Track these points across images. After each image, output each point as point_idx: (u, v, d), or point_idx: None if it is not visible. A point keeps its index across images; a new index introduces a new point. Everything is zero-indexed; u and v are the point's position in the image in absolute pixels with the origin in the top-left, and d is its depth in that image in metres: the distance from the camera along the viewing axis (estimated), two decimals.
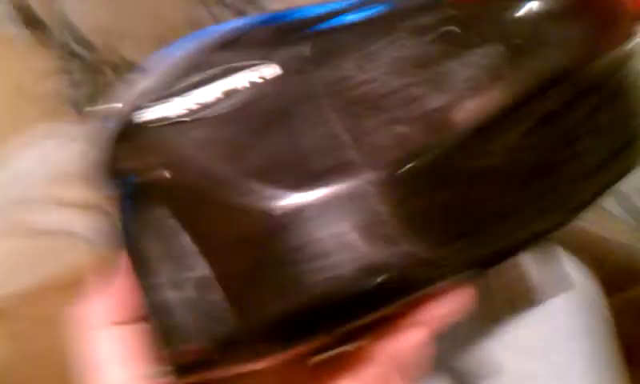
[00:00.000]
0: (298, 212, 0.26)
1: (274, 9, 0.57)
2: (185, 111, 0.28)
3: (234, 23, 0.30)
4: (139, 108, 0.28)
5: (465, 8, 0.28)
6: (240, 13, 0.60)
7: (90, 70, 0.76)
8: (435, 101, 0.27)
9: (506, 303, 0.50)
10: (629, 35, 0.29)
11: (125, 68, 0.78)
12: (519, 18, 0.28)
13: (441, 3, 0.28)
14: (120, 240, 0.31)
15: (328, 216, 0.26)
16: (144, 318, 0.30)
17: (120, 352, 0.30)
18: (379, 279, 0.27)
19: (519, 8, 0.28)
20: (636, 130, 0.31)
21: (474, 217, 0.28)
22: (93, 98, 0.78)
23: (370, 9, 0.29)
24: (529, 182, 0.28)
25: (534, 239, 0.30)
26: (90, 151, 0.30)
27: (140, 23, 0.75)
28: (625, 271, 0.74)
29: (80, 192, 1.29)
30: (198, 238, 0.28)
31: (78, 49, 0.74)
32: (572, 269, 0.54)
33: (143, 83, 0.29)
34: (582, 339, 0.50)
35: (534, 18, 0.28)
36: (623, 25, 0.29)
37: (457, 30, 0.27)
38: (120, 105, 0.29)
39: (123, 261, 0.31)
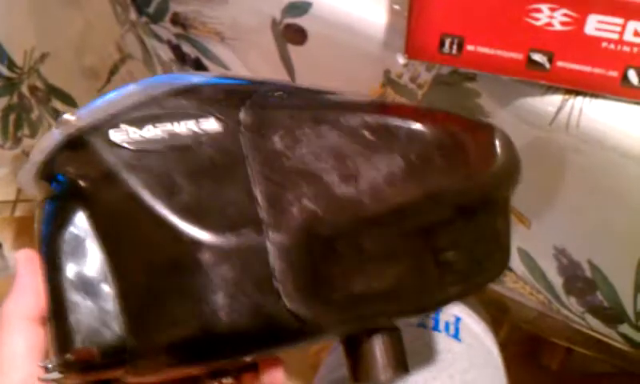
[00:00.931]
0: (209, 253, 0.30)
1: (209, 47, 0.58)
2: (127, 138, 0.30)
3: (185, 76, 0.33)
4: (88, 125, 0.31)
5: (377, 117, 0.34)
6: (174, 47, 0.61)
7: (6, 88, 0.74)
8: (340, 189, 0.32)
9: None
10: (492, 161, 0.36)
11: (44, 91, 0.76)
12: (418, 140, 0.34)
13: (362, 108, 0.34)
14: (37, 239, 0.33)
15: (232, 262, 0.30)
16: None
17: (28, 346, 0.31)
18: (261, 325, 0.30)
19: (420, 133, 0.34)
20: (501, 244, 0.38)
21: (347, 289, 0.32)
22: (6, 114, 0.76)
23: (303, 94, 0.35)
24: (397, 273, 0.34)
25: (396, 316, 0.36)
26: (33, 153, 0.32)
27: (66, 49, 0.74)
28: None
29: None
30: (111, 252, 0.31)
31: None
32: (473, 322, 0.57)
33: (97, 104, 0.32)
34: None
35: (428, 144, 0.34)
36: (489, 154, 0.36)
37: (368, 134, 0.33)
38: (72, 118, 0.31)
39: (36, 257, 0.33)
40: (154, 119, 0.31)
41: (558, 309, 0.54)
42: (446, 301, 0.37)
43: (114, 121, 0.30)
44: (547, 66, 0.39)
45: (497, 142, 0.36)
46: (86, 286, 0.30)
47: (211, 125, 0.31)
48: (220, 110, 0.32)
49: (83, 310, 0.30)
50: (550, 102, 0.41)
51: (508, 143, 0.36)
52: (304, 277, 0.31)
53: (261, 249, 0.30)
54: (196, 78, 0.33)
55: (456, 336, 0.55)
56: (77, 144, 0.31)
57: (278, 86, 0.35)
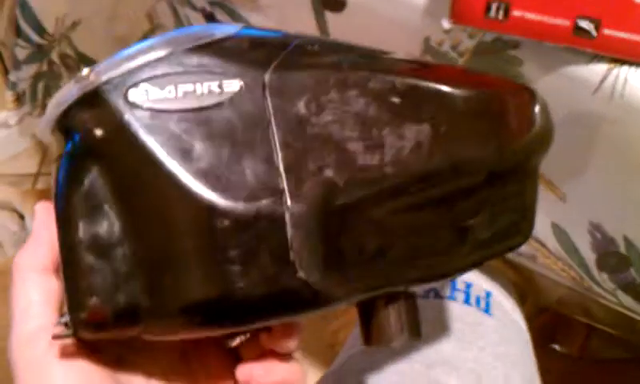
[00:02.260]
0: (227, 220, 0.29)
1: (243, 14, 0.58)
2: (147, 98, 0.30)
3: (208, 28, 0.32)
4: (105, 81, 0.30)
5: (408, 81, 0.32)
6: (208, 15, 0.61)
7: (37, 55, 0.74)
8: (363, 159, 0.31)
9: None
10: (530, 128, 0.34)
11: (74, 59, 0.76)
12: (451, 107, 0.33)
13: (390, 69, 0.33)
14: (53, 193, 0.32)
15: (249, 230, 0.30)
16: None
17: (43, 296, 0.32)
18: (275, 294, 0.30)
19: (449, 98, 0.33)
20: (526, 213, 0.37)
21: (363, 260, 0.32)
22: (35, 82, 0.76)
23: (331, 54, 0.33)
24: (416, 242, 0.33)
25: (413, 283, 0.35)
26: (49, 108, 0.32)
27: (97, 17, 0.74)
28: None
29: None
30: (126, 212, 0.30)
31: (28, 31, 0.72)
32: (504, 297, 0.57)
33: (116, 59, 0.31)
34: (516, 368, 0.53)
35: (461, 110, 0.33)
36: (527, 120, 0.34)
37: (397, 100, 0.32)
38: (91, 72, 0.30)
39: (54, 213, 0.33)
40: (176, 79, 0.30)
41: (589, 285, 0.54)
42: (465, 268, 0.37)
43: (133, 78, 0.30)
44: (594, 33, 0.39)
45: (536, 108, 0.35)
46: (100, 246, 0.30)
47: (234, 87, 0.30)
48: (245, 70, 0.31)
49: (96, 269, 0.30)
50: (595, 71, 0.41)
51: (545, 109, 0.35)
52: (321, 248, 0.31)
53: (279, 219, 0.30)
54: (220, 30, 0.32)
55: (487, 311, 0.55)
56: (93, 100, 0.30)
57: (309, 40, 0.33)
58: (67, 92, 0.30)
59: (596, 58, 0.41)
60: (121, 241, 0.30)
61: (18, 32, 0.74)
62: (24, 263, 0.32)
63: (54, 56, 0.75)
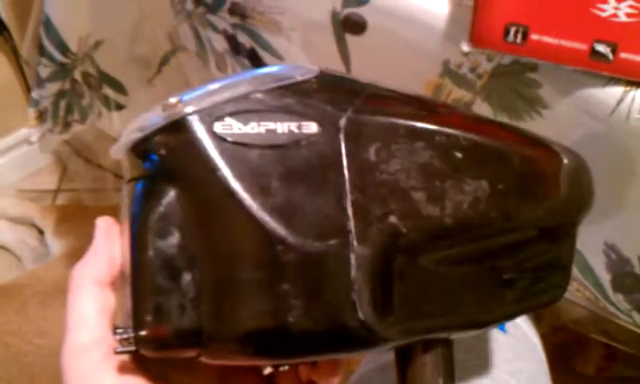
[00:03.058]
0: (296, 256, 0.31)
1: (265, 37, 0.59)
2: (230, 132, 0.31)
3: (290, 69, 0.34)
4: (191, 111, 0.31)
5: (470, 137, 0.34)
6: (230, 37, 0.62)
7: (60, 73, 0.76)
8: (427, 209, 0.32)
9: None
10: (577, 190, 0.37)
11: (96, 78, 0.78)
12: (506, 167, 0.34)
13: (454, 124, 0.34)
14: (126, 213, 0.33)
15: (315, 268, 0.31)
16: (123, 284, 0.33)
17: (98, 308, 0.33)
18: (333, 332, 0.31)
19: (508, 157, 0.35)
20: (565, 269, 0.39)
21: (417, 305, 0.33)
22: (57, 100, 0.78)
23: (400, 105, 0.35)
24: (464, 292, 0.35)
25: (455, 331, 0.36)
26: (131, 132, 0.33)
27: (120, 37, 0.76)
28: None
29: (11, 204, 1.25)
30: (198, 238, 0.31)
31: (51, 49, 0.74)
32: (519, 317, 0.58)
33: (203, 91, 0.32)
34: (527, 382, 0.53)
35: (515, 171, 0.35)
36: (574, 183, 0.36)
37: (460, 155, 0.33)
38: (179, 102, 0.31)
39: (119, 231, 0.34)
40: (258, 116, 0.31)
41: (604, 305, 0.55)
42: (504, 319, 0.38)
43: (219, 112, 0.31)
44: (610, 57, 0.40)
45: (583, 173, 0.37)
46: (170, 268, 0.31)
47: (312, 129, 0.32)
48: (322, 113, 0.32)
49: (164, 290, 0.31)
50: (611, 94, 0.42)
51: (589, 174, 0.37)
52: (380, 291, 0.32)
53: (344, 259, 0.31)
54: (301, 73, 0.33)
55: (502, 327, 0.55)
56: (180, 128, 0.31)
57: (382, 88, 0.35)
58: (152, 117, 0.32)
59: (612, 80, 0.42)
60: (191, 265, 0.31)
61: (42, 51, 0.76)
62: (82, 274, 0.33)
63: (77, 75, 0.77)
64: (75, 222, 1.09)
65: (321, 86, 0.33)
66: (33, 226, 1.18)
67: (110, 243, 0.34)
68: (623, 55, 0.40)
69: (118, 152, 0.34)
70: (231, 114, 0.31)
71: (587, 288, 0.55)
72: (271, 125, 0.31)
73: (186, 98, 0.31)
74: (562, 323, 0.75)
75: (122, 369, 0.32)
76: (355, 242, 0.31)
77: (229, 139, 0.31)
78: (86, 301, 0.33)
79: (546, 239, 0.37)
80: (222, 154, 0.31)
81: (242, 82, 0.32)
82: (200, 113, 0.31)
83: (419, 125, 0.33)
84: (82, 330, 0.32)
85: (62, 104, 0.80)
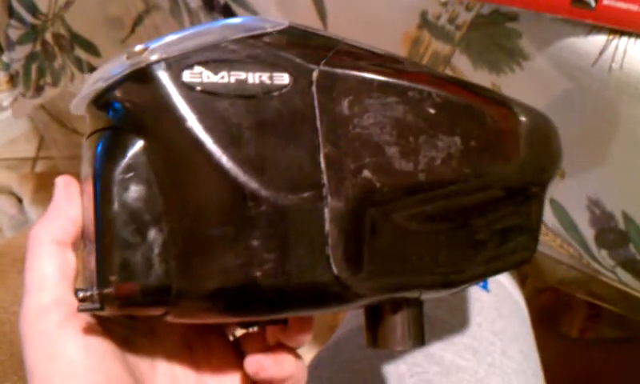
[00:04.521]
0: (268, 210, 0.30)
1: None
2: (200, 81, 0.30)
3: (260, 21, 0.32)
4: (160, 59, 0.30)
5: (443, 94, 0.34)
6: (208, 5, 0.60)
7: (30, 35, 0.74)
8: (400, 164, 0.32)
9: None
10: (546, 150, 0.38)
11: (68, 39, 0.75)
12: (478, 124, 0.35)
13: (428, 80, 0.34)
14: (85, 169, 0.32)
15: (288, 222, 0.30)
16: (85, 243, 0.32)
17: (58, 269, 0.31)
18: (306, 287, 0.31)
19: (479, 114, 0.35)
20: (533, 230, 0.39)
21: (389, 260, 0.33)
22: (28, 62, 0.75)
23: (373, 59, 0.34)
24: (436, 250, 0.35)
25: (427, 290, 0.36)
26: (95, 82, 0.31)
27: None
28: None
29: None
30: (166, 191, 0.30)
31: (21, 10, 0.71)
32: (503, 275, 0.57)
33: (170, 39, 0.31)
34: (514, 343, 0.53)
35: (486, 129, 0.35)
36: (543, 143, 0.38)
37: (433, 111, 0.33)
38: (144, 49, 0.30)
39: (79, 189, 0.33)
40: (229, 65, 0.30)
41: (588, 262, 0.54)
42: (475, 279, 0.38)
43: (187, 60, 0.30)
44: (592, 4, 0.38)
45: (552, 134, 0.38)
46: (136, 222, 0.30)
47: (284, 80, 0.31)
48: (294, 65, 0.31)
49: (131, 245, 0.30)
50: (594, 43, 0.40)
51: (558, 136, 0.38)
52: (354, 245, 0.32)
53: (318, 213, 0.31)
54: (271, 24, 0.32)
55: (484, 287, 0.55)
56: (145, 77, 0.30)
57: (354, 44, 0.34)
58: (116, 66, 0.30)
59: (595, 29, 0.40)
60: (158, 219, 0.30)
61: (11, 12, 0.74)
62: (41, 234, 0.31)
63: (48, 36, 0.75)
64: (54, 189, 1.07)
65: (292, 38, 0.32)
66: (12, 194, 1.17)
67: (70, 202, 0.32)
68: (606, 2, 0.38)
69: (79, 105, 0.32)
70: (200, 63, 0.30)
71: (571, 245, 0.54)
72: (242, 74, 0.30)
73: (152, 45, 0.30)
74: (546, 285, 0.74)
75: (84, 331, 0.31)
76: (329, 196, 0.31)
77: (197, 88, 0.30)
78: (45, 261, 0.31)
79: (514, 200, 0.37)
80: (190, 103, 0.30)
81: (211, 30, 0.31)
82: (167, 61, 0.30)
83: (392, 80, 0.33)
84: (42, 290, 0.31)
85: (34, 67, 0.77)
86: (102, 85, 0.31)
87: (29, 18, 0.72)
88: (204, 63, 0.30)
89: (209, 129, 0.30)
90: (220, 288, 0.30)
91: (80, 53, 0.76)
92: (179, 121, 0.30)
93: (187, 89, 0.30)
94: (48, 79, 0.78)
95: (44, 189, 1.11)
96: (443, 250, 0.35)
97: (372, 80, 0.32)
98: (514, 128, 0.36)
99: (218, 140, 0.30)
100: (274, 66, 0.31)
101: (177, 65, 0.30)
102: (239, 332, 0.38)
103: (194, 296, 0.30)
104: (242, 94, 0.30)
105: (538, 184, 0.39)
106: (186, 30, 0.31)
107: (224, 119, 0.30)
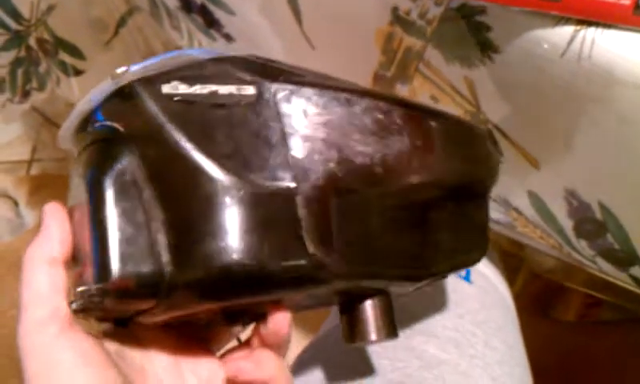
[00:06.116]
0: (246, 198, 0.33)
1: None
2: (175, 91, 0.34)
3: (227, 49, 0.36)
4: (139, 78, 0.34)
5: (390, 106, 0.39)
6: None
7: (14, 40, 0.74)
8: (357, 158, 0.37)
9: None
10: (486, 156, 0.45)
11: (52, 43, 0.76)
12: (425, 130, 0.41)
13: (381, 98, 0.39)
14: (73, 194, 0.35)
15: (265, 208, 0.34)
16: (76, 263, 0.34)
17: (51, 285, 0.33)
18: (285, 266, 0.34)
19: (426, 124, 0.41)
20: (482, 232, 0.46)
21: (356, 244, 0.37)
22: (14, 68, 0.76)
23: (326, 79, 0.38)
24: (396, 240, 0.39)
25: (391, 280, 0.41)
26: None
27: (72, 0, 0.74)
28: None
29: None
30: (156, 190, 0.33)
31: (3, 17, 0.71)
32: (484, 265, 0.57)
33: (150, 62, 0.34)
34: (497, 334, 0.53)
35: (432, 134, 0.41)
36: (483, 150, 0.45)
37: (385, 120, 0.38)
38: (126, 71, 0.34)
39: (64, 212, 0.35)
40: (203, 80, 0.34)
41: (569, 253, 0.54)
42: (433, 276, 0.43)
43: (166, 76, 0.34)
44: None
45: (474, 140, 0.44)
46: (129, 221, 0.33)
47: (250, 91, 0.35)
48: (258, 80, 0.35)
49: (125, 241, 0.33)
50: (561, 34, 0.40)
51: (497, 145, 0.46)
52: (325, 227, 0.35)
53: (291, 199, 0.34)
54: (237, 52, 0.36)
55: (467, 278, 0.55)
56: (130, 92, 0.34)
57: (305, 70, 0.38)
58: (102, 87, 0.34)
59: (562, 20, 0.40)
60: (149, 215, 0.33)
61: None
62: (35, 255, 0.33)
63: (32, 41, 0.75)
64: (49, 191, 1.08)
65: (254, 61, 0.36)
66: (8, 197, 1.17)
67: (58, 225, 0.34)
68: None
69: (65, 137, 0.36)
70: (177, 78, 0.34)
71: (551, 236, 0.54)
72: (214, 87, 0.35)
73: (133, 68, 0.34)
74: (538, 272, 0.74)
75: (81, 341, 0.32)
76: (301, 183, 0.35)
77: (175, 98, 0.34)
78: (40, 278, 0.33)
79: (458, 200, 0.43)
80: (168, 111, 0.33)
81: (184, 54, 0.35)
82: (148, 78, 0.34)
83: (348, 93, 0.38)
84: (37, 306, 0.32)
85: (20, 72, 0.78)
86: (89, 106, 0.35)
87: (12, 23, 0.73)
88: (180, 78, 0.34)
89: (184, 130, 0.33)
90: (206, 274, 0.33)
91: (64, 56, 0.76)
92: (159, 126, 0.33)
93: (166, 99, 0.34)
94: (34, 84, 0.78)
95: (40, 191, 1.11)
96: (404, 242, 0.40)
97: (328, 92, 0.37)
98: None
99: (195, 140, 0.33)
100: (240, 80, 0.35)
101: (157, 80, 0.34)
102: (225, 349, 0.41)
103: (183, 284, 0.33)
104: (215, 103, 0.34)
105: (482, 189, 0.45)
106: (162, 55, 0.35)
107: (198, 122, 0.34)
